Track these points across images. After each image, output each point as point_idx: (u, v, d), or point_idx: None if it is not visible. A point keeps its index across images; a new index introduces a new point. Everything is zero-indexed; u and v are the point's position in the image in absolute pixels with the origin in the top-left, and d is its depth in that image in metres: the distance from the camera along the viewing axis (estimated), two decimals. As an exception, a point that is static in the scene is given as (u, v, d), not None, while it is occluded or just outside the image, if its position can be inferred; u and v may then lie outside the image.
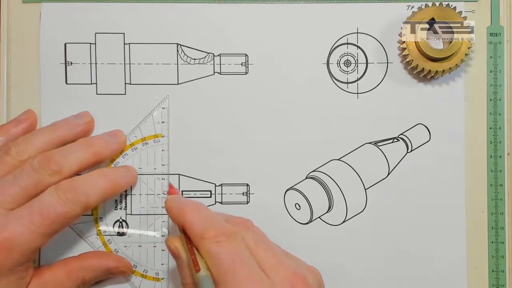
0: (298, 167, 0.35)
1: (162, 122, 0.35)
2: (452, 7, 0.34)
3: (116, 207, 0.35)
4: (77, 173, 0.31)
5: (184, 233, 0.29)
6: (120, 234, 0.35)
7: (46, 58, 0.35)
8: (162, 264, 0.35)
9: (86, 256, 0.33)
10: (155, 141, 0.35)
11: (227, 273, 0.26)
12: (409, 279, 0.35)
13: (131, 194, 0.35)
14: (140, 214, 0.35)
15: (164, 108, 0.35)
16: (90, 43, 0.35)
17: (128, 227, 0.35)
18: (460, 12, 0.34)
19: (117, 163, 0.35)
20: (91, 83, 0.35)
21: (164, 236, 0.35)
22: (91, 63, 0.35)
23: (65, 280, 0.31)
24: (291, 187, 0.35)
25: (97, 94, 0.35)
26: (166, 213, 0.34)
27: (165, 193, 0.35)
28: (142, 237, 0.35)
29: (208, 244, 0.27)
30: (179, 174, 0.35)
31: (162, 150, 0.35)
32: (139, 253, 0.35)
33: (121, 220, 0.35)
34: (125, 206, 0.35)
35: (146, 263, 0.35)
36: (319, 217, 0.35)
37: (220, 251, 0.27)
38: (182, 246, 0.30)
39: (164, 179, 0.35)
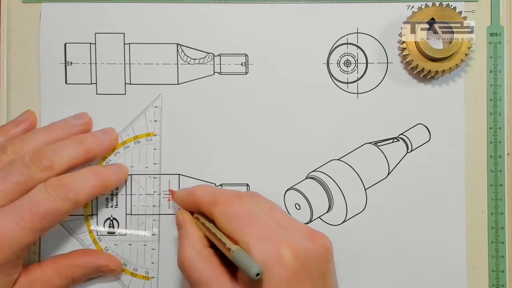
0: (298, 167, 0.35)
1: (155, 121, 0.35)
2: (452, 7, 0.34)
3: (107, 205, 0.35)
4: (69, 170, 0.31)
5: (201, 214, 0.30)
6: (110, 233, 0.35)
7: (46, 58, 0.35)
8: (152, 263, 0.35)
9: (76, 254, 0.33)
10: (147, 139, 0.35)
11: (246, 226, 0.27)
12: (409, 279, 0.35)
13: (125, 194, 0.35)
14: (131, 214, 0.35)
15: (157, 107, 0.35)
16: (90, 43, 0.35)
17: (118, 226, 0.35)
18: (460, 12, 0.34)
19: (108, 161, 0.35)
20: (91, 83, 0.35)
21: (154, 235, 0.35)
22: (91, 63, 0.35)
23: (55, 277, 0.31)
24: (291, 187, 0.35)
25: (97, 94, 0.35)
26: (156, 212, 0.35)
27: (157, 192, 0.35)
28: (132, 235, 0.35)
29: (222, 207, 0.28)
30: (179, 174, 0.35)
31: (154, 149, 0.35)
32: (129, 251, 0.35)
33: (111, 218, 0.35)
34: (116, 205, 0.35)
35: (136, 261, 0.35)
36: (319, 217, 0.35)
37: (235, 210, 0.28)
38: (190, 219, 0.31)
39: (155, 177, 0.35)
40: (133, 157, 0.35)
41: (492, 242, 0.35)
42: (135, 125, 0.35)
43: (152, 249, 0.35)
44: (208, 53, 0.35)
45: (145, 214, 0.35)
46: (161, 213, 0.35)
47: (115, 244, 0.35)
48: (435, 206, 0.35)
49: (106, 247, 0.35)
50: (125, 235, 0.35)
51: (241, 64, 0.35)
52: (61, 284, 0.31)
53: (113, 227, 0.35)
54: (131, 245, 0.35)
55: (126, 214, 0.35)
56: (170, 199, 0.35)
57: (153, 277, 0.35)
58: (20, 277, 0.30)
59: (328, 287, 0.28)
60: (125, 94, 0.35)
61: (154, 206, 0.35)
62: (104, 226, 0.35)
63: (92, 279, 0.34)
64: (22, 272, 0.30)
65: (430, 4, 0.34)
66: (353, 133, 0.35)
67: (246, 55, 0.35)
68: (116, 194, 0.35)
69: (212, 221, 0.29)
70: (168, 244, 0.35)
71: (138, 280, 0.35)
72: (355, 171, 0.35)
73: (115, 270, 0.34)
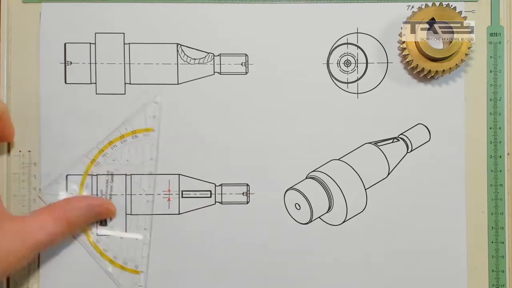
0: (298, 167, 0.35)
1: (154, 116, 0.35)
2: (452, 7, 0.34)
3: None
4: None
5: None
6: (102, 224, 0.35)
7: (46, 58, 0.35)
8: (142, 257, 0.35)
9: (70, 198, 0.33)
10: (145, 135, 0.35)
11: None
12: (409, 279, 0.35)
13: (124, 194, 0.35)
14: (125, 208, 0.35)
15: (156, 103, 0.35)
16: (90, 43, 0.35)
17: (111, 218, 0.35)
18: (460, 12, 0.34)
19: (105, 154, 0.35)
20: (91, 83, 0.35)
21: (146, 229, 0.35)
22: (90, 63, 0.35)
23: (50, 221, 0.31)
24: (291, 187, 0.35)
25: (96, 94, 0.35)
26: (150, 208, 0.35)
27: (151, 188, 0.35)
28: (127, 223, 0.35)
29: None
30: (179, 174, 0.35)
31: (152, 144, 0.35)
32: (120, 244, 0.35)
33: None
34: (110, 198, 0.35)
35: (126, 254, 0.35)
36: (319, 217, 0.35)
37: None
38: None
39: (151, 175, 0.35)
40: (130, 152, 0.35)
41: (492, 242, 0.35)
42: (134, 119, 0.35)
43: (144, 244, 0.35)
44: (208, 53, 0.35)
45: (138, 215, 0.35)
46: (154, 208, 0.35)
47: (106, 236, 0.35)
48: (435, 206, 0.35)
49: (97, 239, 0.35)
50: (117, 226, 0.35)
51: (241, 64, 0.35)
52: (56, 228, 0.31)
53: (106, 220, 0.35)
54: (122, 238, 0.35)
55: (119, 210, 0.35)
56: (170, 199, 0.35)
57: (142, 271, 0.35)
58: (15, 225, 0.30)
59: None
60: (125, 94, 0.35)
61: (147, 201, 0.35)
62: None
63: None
64: (12, 221, 0.30)
65: (430, 4, 0.34)
66: (353, 133, 0.35)
67: (246, 55, 0.35)
68: (111, 188, 0.35)
69: None
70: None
71: (128, 273, 0.35)
72: (355, 171, 0.35)
73: (110, 210, 0.34)
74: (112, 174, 0.35)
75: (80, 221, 0.33)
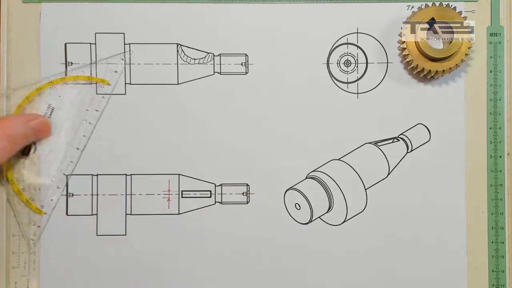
0: (298, 167, 0.35)
1: (115, 72, 0.35)
2: (452, 7, 0.34)
3: None
4: None
5: None
6: (25, 154, 0.34)
7: (46, 58, 0.35)
8: (51, 200, 0.35)
9: (7, 116, 0.33)
10: (100, 85, 0.35)
11: None
12: (409, 279, 0.35)
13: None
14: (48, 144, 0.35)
15: (123, 59, 0.35)
16: (90, 43, 0.35)
17: (35, 151, 0.34)
18: (460, 12, 0.34)
19: (54, 86, 0.34)
20: (91, 83, 0.35)
21: (64, 174, 0.34)
22: (91, 63, 0.35)
23: None
24: (291, 187, 0.35)
25: (97, 94, 0.35)
26: (77, 155, 0.34)
27: (86, 136, 0.34)
28: (43, 164, 0.34)
29: None
30: (179, 174, 0.35)
31: (102, 97, 0.35)
32: (34, 180, 0.34)
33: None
34: None
35: (36, 192, 0.34)
36: (319, 217, 0.35)
37: None
38: None
39: (91, 123, 0.35)
40: (79, 95, 0.35)
41: (492, 242, 0.35)
42: (97, 67, 0.35)
43: (57, 187, 0.35)
44: (208, 53, 0.35)
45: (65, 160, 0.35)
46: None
47: (23, 167, 0.34)
48: (435, 206, 0.35)
49: (15, 166, 0.34)
50: (38, 161, 0.34)
51: (241, 64, 0.35)
52: None
53: (29, 151, 0.34)
54: (38, 175, 0.34)
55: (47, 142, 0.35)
56: (170, 199, 0.35)
57: (46, 213, 0.35)
58: None
59: None
60: (125, 94, 0.35)
61: (77, 148, 0.35)
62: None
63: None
64: None
65: (430, 4, 0.34)
66: (353, 133, 0.35)
67: (246, 55, 0.35)
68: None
69: None
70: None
71: (31, 211, 0.34)
72: (355, 171, 0.35)
73: (45, 122, 0.33)
74: (52, 108, 0.34)
75: (19, 136, 0.32)
